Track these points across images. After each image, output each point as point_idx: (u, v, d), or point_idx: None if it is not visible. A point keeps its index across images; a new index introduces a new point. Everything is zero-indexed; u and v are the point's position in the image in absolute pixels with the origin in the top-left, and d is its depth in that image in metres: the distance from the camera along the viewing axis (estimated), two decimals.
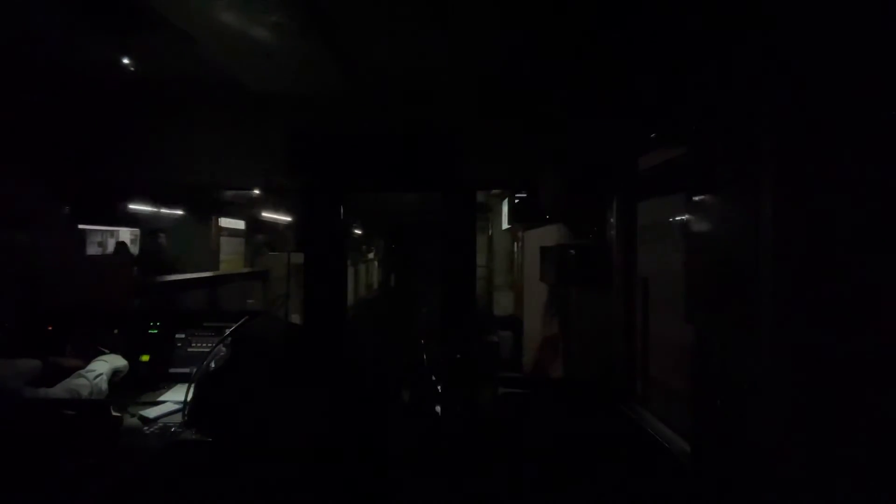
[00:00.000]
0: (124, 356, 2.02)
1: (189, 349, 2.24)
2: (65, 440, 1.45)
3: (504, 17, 1.88)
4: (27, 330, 2.11)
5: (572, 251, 2.75)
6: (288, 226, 9.67)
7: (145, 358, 2.17)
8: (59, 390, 1.68)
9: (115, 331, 2.16)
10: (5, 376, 1.62)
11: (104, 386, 1.82)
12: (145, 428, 1.76)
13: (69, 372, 1.80)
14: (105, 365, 1.88)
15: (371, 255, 12.21)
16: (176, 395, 1.97)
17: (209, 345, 2.15)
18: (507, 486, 2.13)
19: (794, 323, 1.14)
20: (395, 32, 2.02)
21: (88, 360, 1.91)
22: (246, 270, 8.04)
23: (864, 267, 1.08)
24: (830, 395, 1.10)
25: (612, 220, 2.64)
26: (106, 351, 2.01)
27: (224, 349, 1.98)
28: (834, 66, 1.12)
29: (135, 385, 2.04)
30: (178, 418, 1.81)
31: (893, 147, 1.05)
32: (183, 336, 2.26)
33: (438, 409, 2.73)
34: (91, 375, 1.78)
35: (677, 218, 2.12)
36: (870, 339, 1.05)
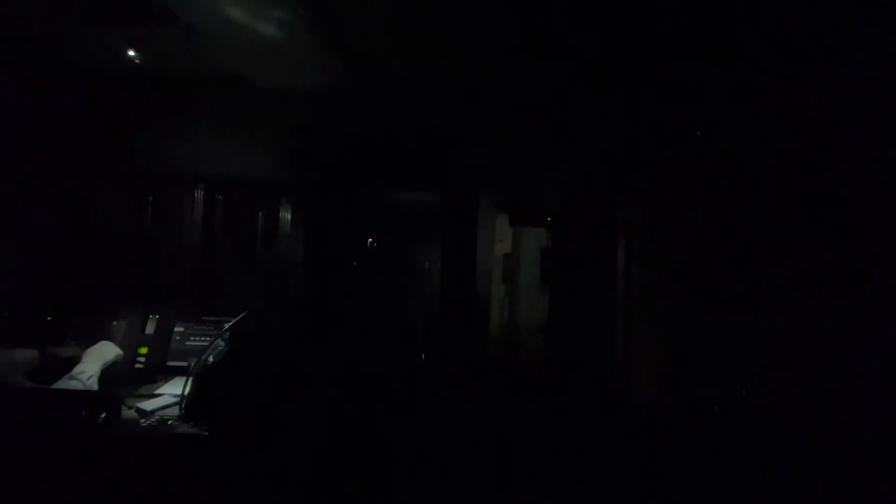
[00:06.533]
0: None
1: (187, 343, 2.23)
2: (61, 433, 1.44)
3: (507, 17, 1.89)
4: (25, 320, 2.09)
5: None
6: None
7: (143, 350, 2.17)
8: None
9: (115, 322, 2.15)
10: (2, 367, 1.62)
11: (96, 386, 1.79)
12: (142, 421, 1.76)
13: (66, 362, 1.79)
14: (96, 364, 1.83)
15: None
16: (173, 389, 1.97)
17: (208, 339, 2.15)
18: (506, 485, 2.13)
19: None
20: (398, 31, 2.03)
21: (86, 348, 1.89)
22: None
23: None
24: None
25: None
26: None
27: (222, 343, 1.98)
28: None
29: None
30: (175, 411, 1.81)
31: None
32: (182, 329, 2.26)
33: (437, 409, 2.72)
34: (84, 377, 1.75)
35: None
36: None
